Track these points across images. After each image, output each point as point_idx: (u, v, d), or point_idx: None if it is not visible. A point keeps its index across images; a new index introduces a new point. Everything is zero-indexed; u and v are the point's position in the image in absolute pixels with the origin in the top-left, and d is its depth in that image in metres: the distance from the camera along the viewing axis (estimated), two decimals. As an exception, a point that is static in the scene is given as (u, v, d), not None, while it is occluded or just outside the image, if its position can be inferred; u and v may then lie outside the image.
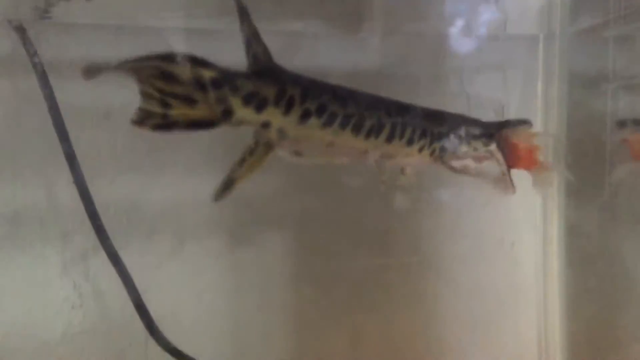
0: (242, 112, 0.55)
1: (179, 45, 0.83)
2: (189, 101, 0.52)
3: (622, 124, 0.87)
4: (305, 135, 0.59)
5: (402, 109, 0.66)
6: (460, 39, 0.90)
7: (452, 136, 0.70)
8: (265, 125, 0.57)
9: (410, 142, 0.66)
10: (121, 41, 0.83)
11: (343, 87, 0.63)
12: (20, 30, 0.75)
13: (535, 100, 0.97)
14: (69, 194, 0.82)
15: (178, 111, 0.52)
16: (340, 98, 0.60)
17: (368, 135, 0.62)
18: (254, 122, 0.56)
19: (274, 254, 0.93)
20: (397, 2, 0.91)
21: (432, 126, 0.68)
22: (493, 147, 0.72)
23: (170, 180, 0.88)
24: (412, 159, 0.68)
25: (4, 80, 0.80)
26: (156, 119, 0.52)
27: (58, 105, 0.77)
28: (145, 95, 0.52)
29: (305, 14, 0.87)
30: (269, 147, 0.58)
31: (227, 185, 0.58)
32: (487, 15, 0.92)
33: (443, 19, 0.90)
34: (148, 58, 0.52)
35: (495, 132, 0.73)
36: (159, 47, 0.83)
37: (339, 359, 0.96)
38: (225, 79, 0.54)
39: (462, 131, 0.71)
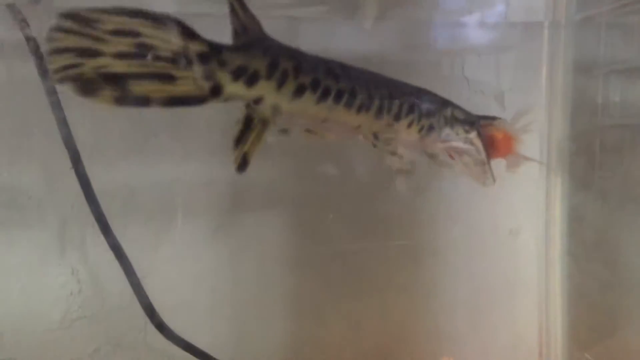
0: (232, 87, 0.52)
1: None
2: (170, 78, 0.49)
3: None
4: (300, 110, 0.57)
5: (389, 83, 0.65)
6: (462, 26, 0.90)
7: (438, 115, 0.69)
8: (258, 100, 0.54)
9: (397, 117, 0.65)
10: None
11: (334, 60, 0.61)
12: (18, 14, 0.74)
13: (539, 88, 0.96)
14: (67, 179, 0.82)
15: (161, 90, 0.49)
16: (333, 72, 0.59)
17: (359, 110, 0.61)
18: (246, 97, 0.54)
19: (273, 239, 0.92)
20: None
21: (420, 102, 0.67)
22: (474, 134, 0.72)
23: (168, 165, 0.88)
24: (401, 136, 0.67)
25: (1, 66, 0.80)
26: (134, 98, 0.48)
27: (56, 90, 0.77)
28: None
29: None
30: (264, 123, 0.56)
31: (245, 160, 0.56)
32: (488, 2, 0.91)
33: (446, 5, 0.89)
34: (132, 12, 0.47)
35: (476, 121, 0.72)
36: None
37: (338, 344, 0.96)
38: (213, 52, 0.51)
39: (448, 112, 0.70)
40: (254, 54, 0.54)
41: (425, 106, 0.67)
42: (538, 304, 1.01)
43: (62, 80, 0.47)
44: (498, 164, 0.74)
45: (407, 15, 0.92)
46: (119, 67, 0.47)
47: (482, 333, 1.00)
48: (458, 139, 0.71)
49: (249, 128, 0.56)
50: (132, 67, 0.48)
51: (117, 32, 0.47)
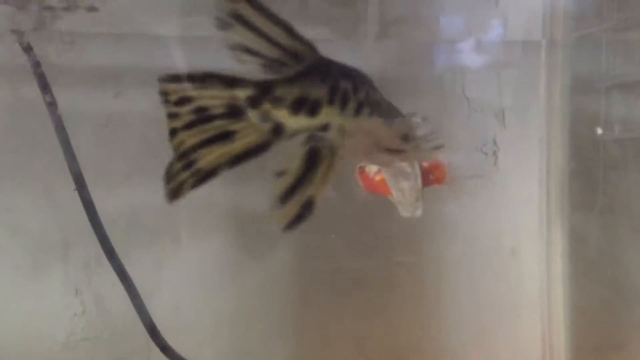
0: (294, 122, 0.48)
1: (180, 53, 0.84)
2: (228, 136, 0.46)
3: None
4: (359, 127, 0.53)
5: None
6: (461, 45, 0.91)
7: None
8: (324, 128, 0.50)
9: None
10: (121, 49, 0.84)
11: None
12: (22, 38, 0.75)
13: (537, 105, 0.96)
14: (70, 202, 0.83)
15: (223, 151, 0.46)
16: (371, 84, 0.55)
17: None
18: (311, 128, 0.49)
19: (276, 259, 0.93)
20: (396, 8, 0.92)
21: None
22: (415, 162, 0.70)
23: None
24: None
25: (6, 88, 0.81)
26: (189, 181, 0.46)
27: (59, 113, 0.77)
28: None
29: (305, 18, 0.88)
30: (332, 150, 0.51)
31: (308, 206, 0.50)
32: (487, 21, 0.93)
33: (444, 24, 0.90)
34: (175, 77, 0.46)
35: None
36: (159, 55, 0.85)
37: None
38: (262, 91, 0.47)
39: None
40: (311, 81, 0.50)
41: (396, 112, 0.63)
42: (541, 320, 1.01)
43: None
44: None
45: (407, 34, 0.93)
46: (189, 140, 0.46)
47: (486, 350, 1.00)
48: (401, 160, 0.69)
49: (314, 163, 0.51)
50: (196, 136, 0.46)
51: (179, 102, 0.46)
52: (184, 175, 0.47)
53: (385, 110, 0.57)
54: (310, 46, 0.50)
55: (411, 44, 0.94)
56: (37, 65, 0.76)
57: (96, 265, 0.85)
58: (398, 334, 0.97)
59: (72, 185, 0.81)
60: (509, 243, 0.98)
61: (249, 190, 0.87)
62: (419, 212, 0.70)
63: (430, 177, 0.70)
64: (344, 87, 0.50)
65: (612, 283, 0.92)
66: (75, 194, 0.81)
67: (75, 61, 0.81)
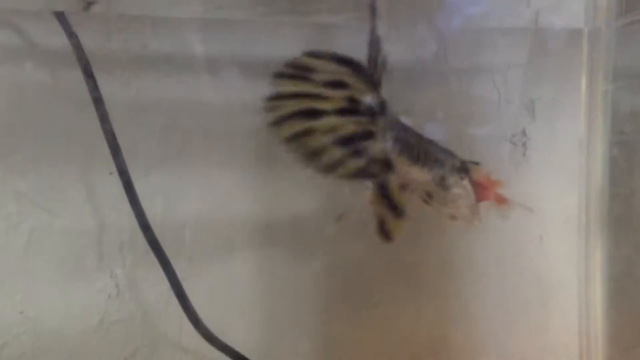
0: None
1: (213, 36, 0.85)
2: (370, 136, 0.47)
3: None
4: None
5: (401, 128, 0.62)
6: (496, 33, 0.91)
7: (446, 165, 0.68)
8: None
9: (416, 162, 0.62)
10: (162, 34, 0.85)
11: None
12: (64, 21, 0.77)
13: (579, 96, 0.96)
14: (106, 184, 0.84)
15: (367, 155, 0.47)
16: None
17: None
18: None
19: (307, 247, 0.93)
20: None
21: (439, 155, 0.67)
22: (466, 180, 0.72)
23: (206, 173, 0.89)
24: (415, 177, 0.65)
25: (46, 70, 0.82)
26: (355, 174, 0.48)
27: (103, 99, 0.79)
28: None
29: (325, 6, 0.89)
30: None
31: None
32: (518, 6, 0.92)
33: (475, 9, 0.90)
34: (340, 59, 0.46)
35: (468, 167, 0.72)
36: (191, 36, 0.86)
37: (371, 352, 0.96)
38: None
39: (450, 162, 0.69)
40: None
41: (442, 159, 0.67)
42: (579, 309, 1.00)
43: (295, 149, 0.45)
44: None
45: (432, 22, 0.93)
46: (346, 128, 0.45)
47: (521, 339, 1.00)
48: (456, 186, 0.71)
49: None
50: (353, 125, 0.45)
51: (331, 85, 0.45)
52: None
53: (419, 152, 0.58)
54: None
55: (437, 31, 0.94)
56: (79, 49, 0.77)
57: (131, 248, 0.86)
58: (428, 320, 0.97)
59: (108, 169, 0.82)
60: (538, 232, 0.98)
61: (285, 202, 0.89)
62: (477, 221, 0.73)
63: (487, 193, 0.73)
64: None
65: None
66: (111, 178, 0.82)
67: (116, 44, 0.83)
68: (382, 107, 0.46)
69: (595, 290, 0.98)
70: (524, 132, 0.96)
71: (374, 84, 0.46)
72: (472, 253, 0.98)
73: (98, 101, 0.77)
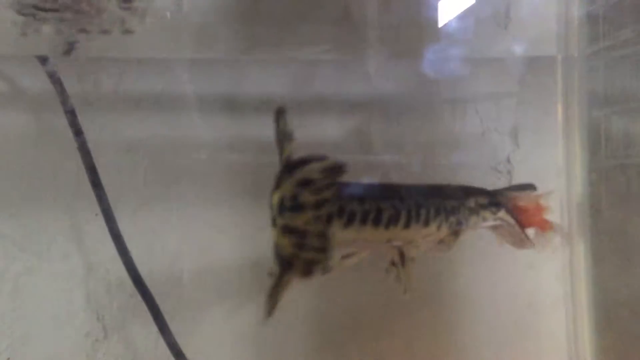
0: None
1: (200, 75, 0.86)
2: None
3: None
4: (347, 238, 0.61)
5: (413, 191, 0.67)
6: (473, 63, 0.92)
7: (462, 209, 0.70)
8: None
9: (426, 222, 0.66)
10: (146, 74, 0.85)
11: (354, 182, 0.63)
12: (47, 65, 0.77)
13: (555, 124, 0.97)
14: (92, 225, 0.84)
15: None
16: (357, 195, 0.62)
17: (387, 225, 0.62)
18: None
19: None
20: (402, 28, 0.93)
21: (444, 202, 0.68)
22: (502, 213, 0.73)
23: (193, 213, 0.89)
24: (431, 238, 0.68)
25: (30, 114, 0.83)
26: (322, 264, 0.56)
27: (86, 142, 0.79)
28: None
29: (310, 41, 0.90)
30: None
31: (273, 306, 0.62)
32: (499, 38, 0.94)
33: (454, 42, 0.92)
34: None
35: (501, 199, 0.73)
36: (179, 78, 0.87)
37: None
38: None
39: (472, 203, 0.71)
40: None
41: (450, 204, 0.68)
42: (566, 337, 1.00)
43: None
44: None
45: (414, 53, 0.94)
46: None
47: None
48: (486, 223, 0.72)
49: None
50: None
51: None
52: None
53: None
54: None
55: (419, 62, 0.95)
56: (63, 92, 0.77)
57: (118, 289, 0.85)
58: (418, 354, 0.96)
59: (94, 210, 0.82)
60: (526, 260, 0.98)
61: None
62: (529, 246, 0.74)
63: (532, 219, 0.74)
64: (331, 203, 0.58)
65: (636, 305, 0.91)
66: (97, 219, 0.82)
67: (100, 85, 0.83)
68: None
69: (583, 314, 0.98)
70: (508, 160, 0.97)
71: None
72: (462, 282, 0.97)
73: (82, 144, 0.77)
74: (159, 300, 0.81)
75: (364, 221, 0.61)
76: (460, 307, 0.97)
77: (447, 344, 0.97)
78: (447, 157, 0.95)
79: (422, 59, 0.92)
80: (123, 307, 0.86)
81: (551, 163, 0.96)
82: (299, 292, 0.91)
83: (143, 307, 0.81)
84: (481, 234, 0.93)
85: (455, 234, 0.70)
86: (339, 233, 0.59)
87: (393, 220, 0.62)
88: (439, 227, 0.67)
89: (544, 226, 0.75)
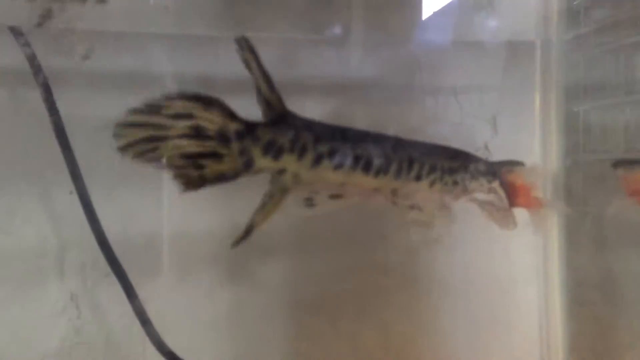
0: (262, 161, 0.57)
1: (178, 53, 0.84)
2: (217, 157, 0.55)
3: (617, 164, 0.81)
4: (318, 178, 0.61)
5: (409, 146, 0.68)
6: (454, 48, 0.92)
7: (462, 171, 0.71)
8: (282, 171, 0.59)
9: (418, 177, 0.67)
10: (122, 47, 0.84)
11: (352, 128, 0.64)
12: (21, 37, 0.75)
13: (533, 109, 0.98)
14: (66, 205, 0.82)
15: (210, 169, 0.55)
16: (350, 140, 0.62)
17: (377, 173, 0.63)
18: (272, 169, 0.59)
19: (276, 264, 0.93)
20: (383, 11, 0.93)
21: (441, 161, 0.69)
22: (496, 184, 0.74)
23: (168, 192, 0.88)
24: (424, 194, 0.69)
25: (1, 88, 0.81)
26: (195, 181, 0.55)
27: (61, 118, 0.77)
28: (177, 166, 0.54)
29: (291, 22, 0.89)
30: (284, 191, 0.60)
31: (248, 232, 0.60)
32: (479, 23, 0.94)
33: (434, 27, 0.92)
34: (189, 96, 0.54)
35: (498, 170, 0.75)
36: (157, 54, 0.86)
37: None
38: (248, 129, 0.56)
39: (472, 167, 0.73)
40: (281, 129, 0.59)
41: (448, 164, 0.70)
42: (539, 322, 1.01)
43: (143, 161, 0.55)
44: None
45: (395, 39, 0.94)
46: (188, 147, 0.54)
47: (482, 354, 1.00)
48: (482, 189, 0.73)
49: (264, 200, 0.60)
50: (195, 147, 0.55)
51: (177, 116, 0.54)
52: (194, 173, 0.55)
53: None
54: (279, 98, 0.59)
55: (400, 48, 0.95)
56: (37, 66, 0.76)
57: (92, 269, 0.84)
58: (394, 337, 0.97)
59: (68, 188, 0.80)
60: (503, 247, 0.99)
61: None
62: (512, 227, 0.74)
63: (519, 197, 0.74)
64: (304, 139, 0.59)
65: (608, 293, 0.93)
66: (72, 198, 0.80)
67: (75, 61, 0.81)
68: (240, 134, 0.55)
69: (555, 298, 1.00)
70: (486, 147, 0.97)
71: (233, 116, 0.55)
72: (438, 267, 0.98)
73: (56, 120, 0.76)
74: (133, 280, 0.81)
75: (354, 166, 0.62)
76: (436, 291, 0.98)
77: (423, 327, 0.98)
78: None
79: (403, 43, 0.92)
80: (97, 287, 0.85)
81: (529, 150, 0.97)
82: (275, 273, 0.92)
83: (117, 286, 0.80)
84: (459, 220, 0.95)
85: (455, 196, 0.72)
86: (328, 174, 0.61)
87: (383, 170, 0.64)
88: (431, 184, 0.68)
89: (535, 204, 0.76)
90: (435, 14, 0.92)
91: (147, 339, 0.80)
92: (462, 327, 0.98)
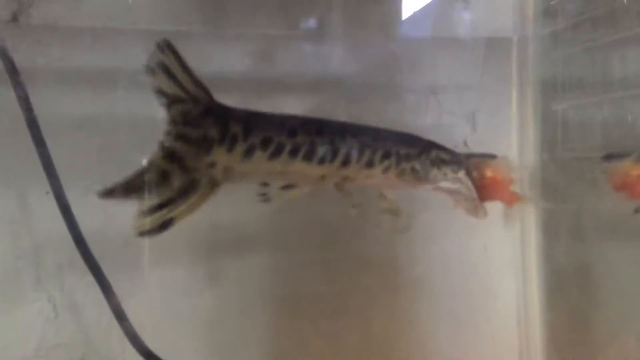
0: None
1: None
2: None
3: (606, 158, 0.81)
4: (252, 169, 0.60)
5: (360, 132, 0.67)
6: (430, 43, 0.92)
7: (421, 158, 0.70)
8: (211, 165, 0.59)
9: (370, 164, 0.66)
10: (98, 44, 0.83)
11: (294, 116, 0.64)
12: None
13: (510, 106, 0.98)
14: (41, 205, 0.81)
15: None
16: (289, 128, 0.61)
17: (321, 161, 0.62)
18: (203, 163, 0.59)
19: (255, 262, 0.92)
20: (361, 7, 0.93)
21: (397, 147, 0.68)
22: (462, 174, 0.74)
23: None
24: (375, 180, 0.68)
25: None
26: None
27: (36, 117, 0.76)
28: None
29: (271, 19, 0.89)
30: (213, 185, 0.59)
31: (165, 225, 0.59)
32: (457, 19, 0.94)
33: (413, 23, 0.92)
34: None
35: (463, 161, 0.75)
36: (133, 50, 0.85)
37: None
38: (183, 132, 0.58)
39: (433, 155, 0.72)
40: (208, 122, 0.59)
41: (404, 151, 0.69)
42: (517, 320, 1.02)
43: None
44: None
45: (373, 35, 0.94)
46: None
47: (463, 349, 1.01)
48: (446, 179, 0.73)
49: (189, 192, 0.59)
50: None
51: None
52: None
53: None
54: (207, 91, 0.59)
55: (378, 44, 0.95)
56: (10, 61, 0.74)
57: (69, 269, 0.83)
58: (375, 334, 0.97)
59: (44, 188, 0.79)
60: (482, 241, 1.00)
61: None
62: (482, 216, 0.74)
63: (491, 188, 0.74)
64: (234, 130, 0.58)
65: (584, 286, 0.94)
66: (47, 198, 0.79)
67: (51, 58, 0.80)
68: None
69: (533, 290, 1.01)
70: (465, 144, 0.98)
71: None
72: (417, 260, 0.99)
73: (31, 119, 0.74)
74: (111, 279, 0.80)
75: (293, 154, 0.61)
76: (415, 284, 0.99)
77: (403, 323, 0.99)
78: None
79: (382, 40, 0.92)
80: (74, 287, 0.84)
81: (507, 146, 0.98)
82: (255, 271, 0.92)
83: (95, 287, 0.79)
84: (437, 215, 0.95)
85: (414, 184, 0.71)
86: (263, 164, 0.60)
87: (328, 157, 0.63)
88: (385, 171, 0.67)
89: (512, 199, 0.77)
90: (414, 10, 0.92)
91: (126, 339, 0.80)
92: (442, 319, 0.99)
